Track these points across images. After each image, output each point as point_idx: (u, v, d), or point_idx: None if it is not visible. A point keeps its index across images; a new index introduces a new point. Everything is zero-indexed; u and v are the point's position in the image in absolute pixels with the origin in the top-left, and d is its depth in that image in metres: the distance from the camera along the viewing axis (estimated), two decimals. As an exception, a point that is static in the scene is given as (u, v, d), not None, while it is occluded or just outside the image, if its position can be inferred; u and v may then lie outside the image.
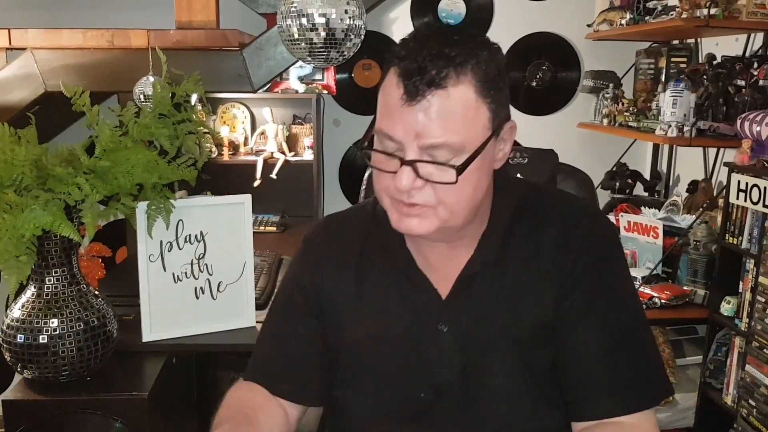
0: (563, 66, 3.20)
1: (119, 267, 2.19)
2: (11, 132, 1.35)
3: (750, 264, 2.04)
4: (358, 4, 1.86)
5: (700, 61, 2.74)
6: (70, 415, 1.39)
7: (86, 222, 1.33)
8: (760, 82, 2.29)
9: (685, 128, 2.33)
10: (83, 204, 1.34)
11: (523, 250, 0.97)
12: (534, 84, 3.20)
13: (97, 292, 1.47)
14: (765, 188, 1.95)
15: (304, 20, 1.81)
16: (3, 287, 1.34)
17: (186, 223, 1.55)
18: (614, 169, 3.04)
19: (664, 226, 2.42)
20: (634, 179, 3.00)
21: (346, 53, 1.90)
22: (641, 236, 2.48)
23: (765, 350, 1.96)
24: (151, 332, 1.54)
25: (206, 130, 1.68)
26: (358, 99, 3.15)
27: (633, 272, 2.37)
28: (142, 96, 2.11)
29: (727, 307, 2.14)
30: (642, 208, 2.70)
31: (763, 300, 1.97)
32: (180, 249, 1.55)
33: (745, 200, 2.04)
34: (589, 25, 3.03)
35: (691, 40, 2.87)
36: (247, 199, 1.61)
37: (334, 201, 3.17)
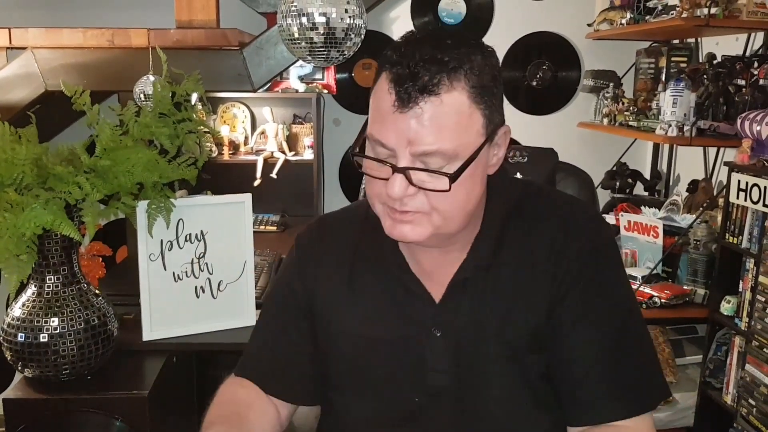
0: (563, 65, 3.20)
1: (119, 266, 2.19)
2: (12, 131, 1.35)
3: (750, 263, 2.04)
4: (359, 4, 1.87)
5: (701, 61, 2.74)
6: (70, 413, 1.39)
7: (87, 221, 1.33)
8: (761, 82, 2.29)
9: (686, 128, 2.33)
10: (84, 203, 1.35)
11: (516, 254, 0.96)
12: (534, 83, 3.20)
13: (97, 291, 1.47)
14: (765, 188, 1.95)
15: (304, 19, 1.81)
16: (4, 286, 1.34)
17: (186, 223, 1.55)
18: (614, 168, 3.04)
19: (664, 225, 2.42)
20: (635, 179, 3.01)
21: (346, 52, 1.91)
22: (641, 236, 2.48)
23: (765, 349, 1.96)
24: (151, 331, 1.54)
25: (206, 130, 1.68)
26: (359, 98, 3.15)
27: (633, 272, 2.37)
28: (142, 95, 2.11)
29: (727, 307, 2.14)
30: (642, 207, 2.69)
31: (763, 299, 1.97)
32: (180, 248, 1.55)
33: (745, 200, 2.04)
34: (589, 25, 3.03)
35: (692, 40, 2.87)
36: (247, 198, 1.61)
37: (334, 200, 3.17)
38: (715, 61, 2.45)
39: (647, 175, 3.09)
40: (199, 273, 1.58)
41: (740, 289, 2.09)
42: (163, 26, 2.56)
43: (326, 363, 1.04)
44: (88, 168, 1.37)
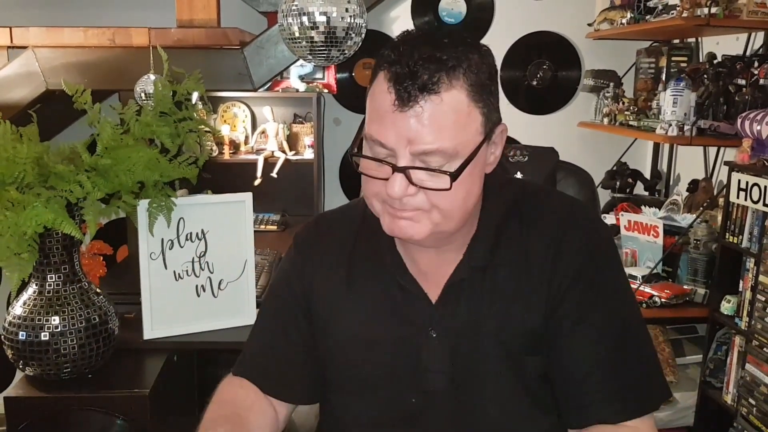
0: (564, 65, 3.20)
1: (120, 265, 2.19)
2: (13, 130, 1.35)
3: (750, 263, 2.04)
4: (359, 3, 1.87)
5: (701, 60, 2.74)
6: (71, 412, 1.39)
7: (88, 220, 1.34)
8: (761, 81, 2.29)
9: (686, 127, 2.33)
10: (85, 202, 1.35)
11: (513, 255, 0.95)
12: (534, 83, 3.20)
13: (98, 290, 1.47)
14: (765, 187, 1.95)
15: (304, 19, 1.81)
16: (5, 285, 1.34)
17: (187, 221, 1.55)
18: (615, 168, 3.04)
19: (664, 225, 2.42)
20: (635, 178, 3.01)
21: (346, 52, 1.91)
22: (641, 235, 2.48)
23: (765, 349, 1.96)
24: (152, 330, 1.54)
25: (207, 129, 1.68)
26: (359, 98, 3.15)
27: (633, 271, 2.38)
28: (143, 94, 2.11)
29: (727, 306, 2.14)
30: (642, 207, 2.70)
31: (763, 299, 1.97)
32: (181, 247, 1.56)
33: (746, 199, 2.04)
34: (589, 24, 3.03)
35: (692, 39, 2.87)
36: (248, 197, 1.61)
37: (334, 200, 3.17)
38: (715, 61, 2.46)
39: (647, 175, 3.09)
40: (200, 272, 1.58)
41: (740, 289, 2.09)
42: (163, 25, 2.56)
43: (324, 363, 1.04)
44: (89, 167, 1.38)
